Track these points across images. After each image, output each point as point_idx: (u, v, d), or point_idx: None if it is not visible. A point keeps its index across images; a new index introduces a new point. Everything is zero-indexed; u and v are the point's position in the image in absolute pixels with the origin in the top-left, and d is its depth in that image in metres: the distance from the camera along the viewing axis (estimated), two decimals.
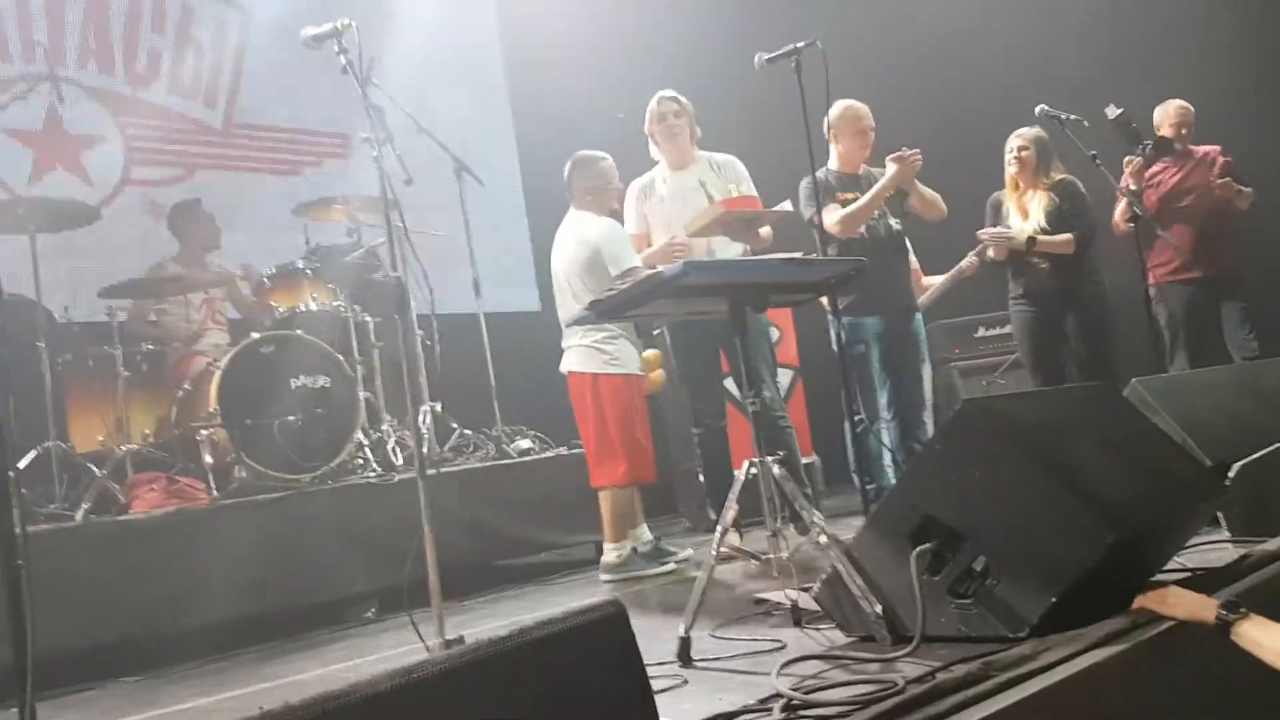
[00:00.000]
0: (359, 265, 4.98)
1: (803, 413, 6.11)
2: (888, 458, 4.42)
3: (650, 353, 5.03)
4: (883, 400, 4.46)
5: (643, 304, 2.37)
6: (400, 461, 4.58)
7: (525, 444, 5.04)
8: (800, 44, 3.10)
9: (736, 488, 2.53)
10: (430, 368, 4.70)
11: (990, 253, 4.72)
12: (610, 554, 4.07)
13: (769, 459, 2.49)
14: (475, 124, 6.56)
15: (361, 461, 4.49)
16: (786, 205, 4.10)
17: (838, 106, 4.28)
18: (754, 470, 2.50)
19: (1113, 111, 4.46)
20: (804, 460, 4.90)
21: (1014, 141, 4.69)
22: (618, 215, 4.33)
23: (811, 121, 3.34)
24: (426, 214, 4.60)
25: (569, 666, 1.45)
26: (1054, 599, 2.07)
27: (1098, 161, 4.38)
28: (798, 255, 2.51)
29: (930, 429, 4.43)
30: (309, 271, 4.77)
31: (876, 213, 4.41)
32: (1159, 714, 1.87)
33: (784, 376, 5.77)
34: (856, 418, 4.65)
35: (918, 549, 2.22)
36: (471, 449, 5.03)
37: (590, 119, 6.27)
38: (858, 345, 4.44)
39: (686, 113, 4.35)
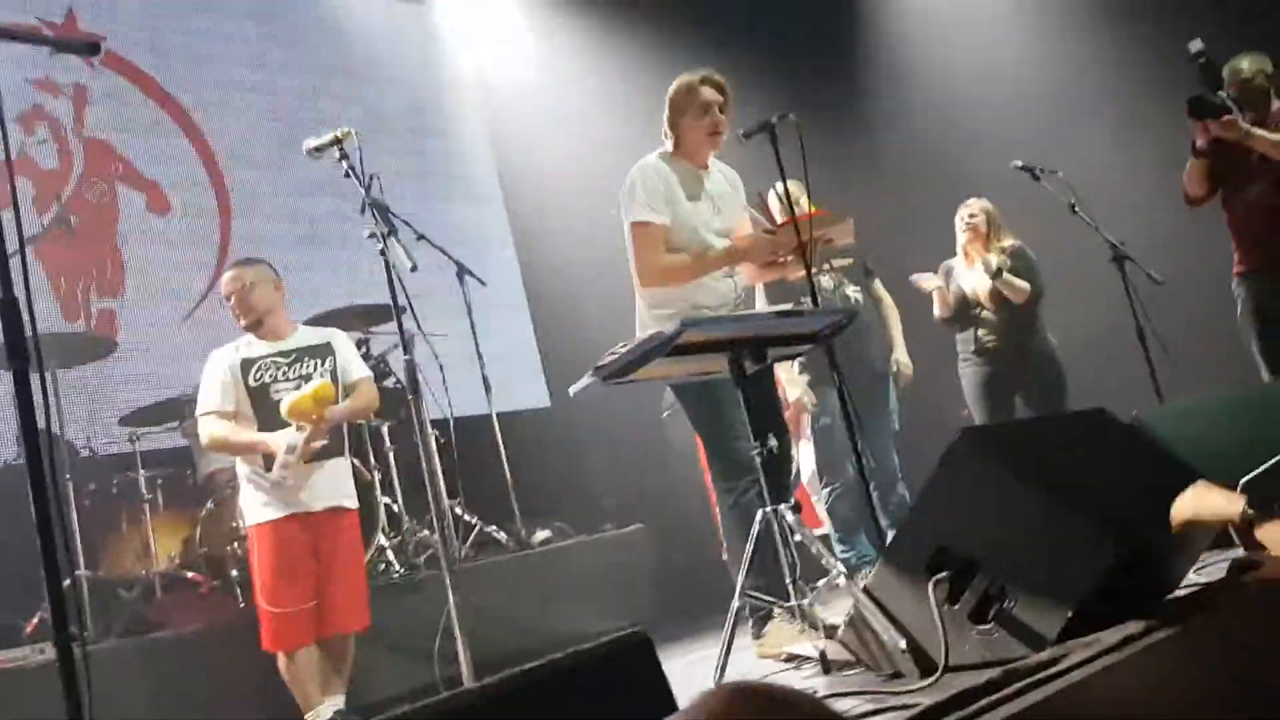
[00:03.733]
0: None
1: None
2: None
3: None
4: (853, 471, 4.49)
5: (642, 365, 2.46)
6: (422, 561, 4.63)
7: (545, 534, 5.08)
8: (775, 118, 3.25)
9: (751, 543, 2.59)
10: (447, 466, 4.78)
11: (936, 310, 4.86)
12: None
13: (782, 507, 2.54)
14: (472, 230, 6.76)
15: (384, 566, 4.54)
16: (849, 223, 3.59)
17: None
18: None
19: (1196, 45, 4.23)
20: (817, 531, 4.94)
21: (964, 211, 4.95)
22: None
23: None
24: (432, 320, 4.74)
25: (598, 692, 1.50)
26: (1070, 614, 2.11)
27: (1076, 209, 4.52)
28: (788, 307, 2.61)
29: (907, 496, 4.54)
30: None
31: (832, 283, 4.56)
32: (1174, 712, 1.90)
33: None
34: (827, 488, 4.81)
35: (933, 578, 2.27)
36: (493, 544, 5.08)
37: (585, 217, 6.47)
38: (823, 418, 4.62)
39: (732, 104, 3.45)
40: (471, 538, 5.11)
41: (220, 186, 6.05)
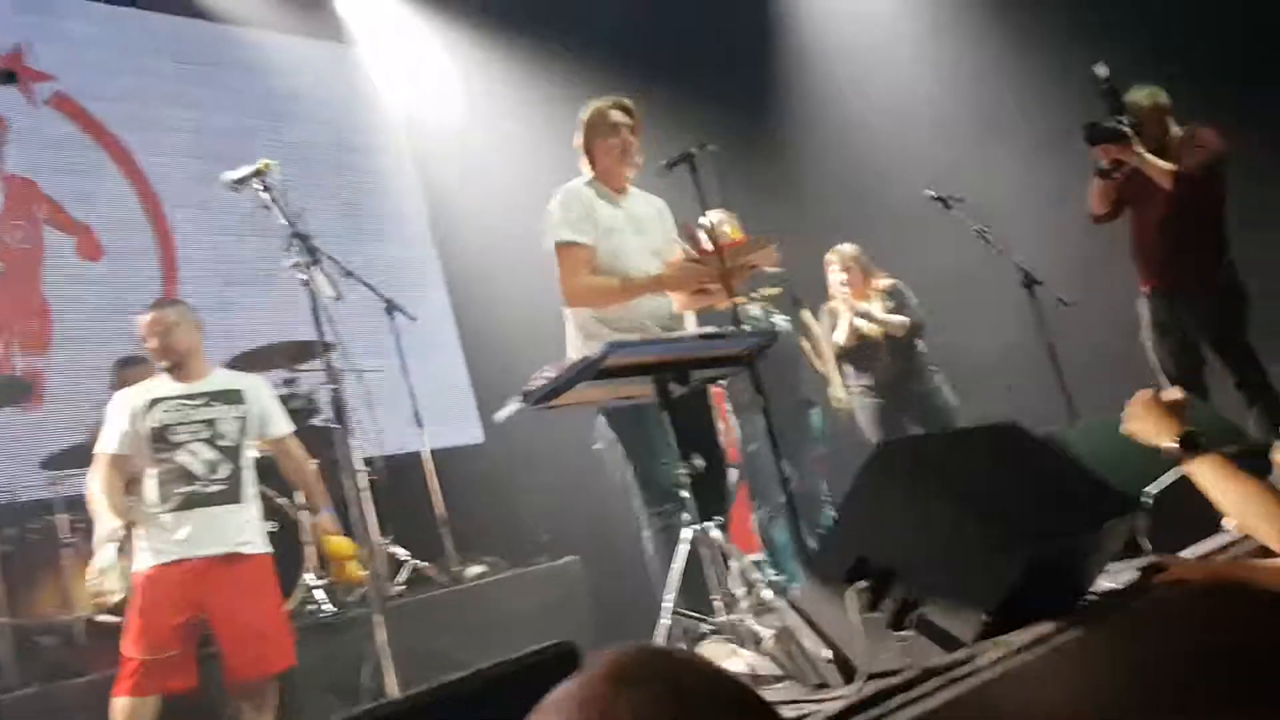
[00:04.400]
0: (296, 412, 5.05)
1: (746, 511, 6.22)
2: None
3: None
4: (782, 498, 4.56)
5: (569, 389, 2.50)
6: (353, 599, 4.58)
7: (479, 569, 5.07)
8: (694, 148, 3.33)
9: (680, 561, 2.63)
10: (378, 501, 4.76)
11: (841, 338, 5.02)
12: None
13: (709, 524, 2.59)
14: (403, 269, 6.77)
15: (312, 607, 4.49)
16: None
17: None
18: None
19: (1102, 70, 4.36)
20: (752, 558, 5.00)
21: (835, 259, 5.19)
22: None
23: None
24: (363, 357, 4.76)
25: (526, 702, 1.52)
26: (984, 618, 2.19)
27: (985, 236, 4.69)
28: (713, 329, 2.67)
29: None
30: None
31: (762, 312, 4.69)
32: (1084, 707, 1.98)
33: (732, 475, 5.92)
34: (757, 512, 4.91)
35: (851, 587, 2.33)
36: (425, 581, 5.04)
37: (517, 254, 6.50)
38: (751, 444, 4.74)
39: (640, 127, 3.54)
40: (403, 574, 5.07)
41: (162, 230, 5.99)
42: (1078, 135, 4.40)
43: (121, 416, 3.61)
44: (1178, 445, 2.08)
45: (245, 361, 5.22)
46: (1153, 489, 3.16)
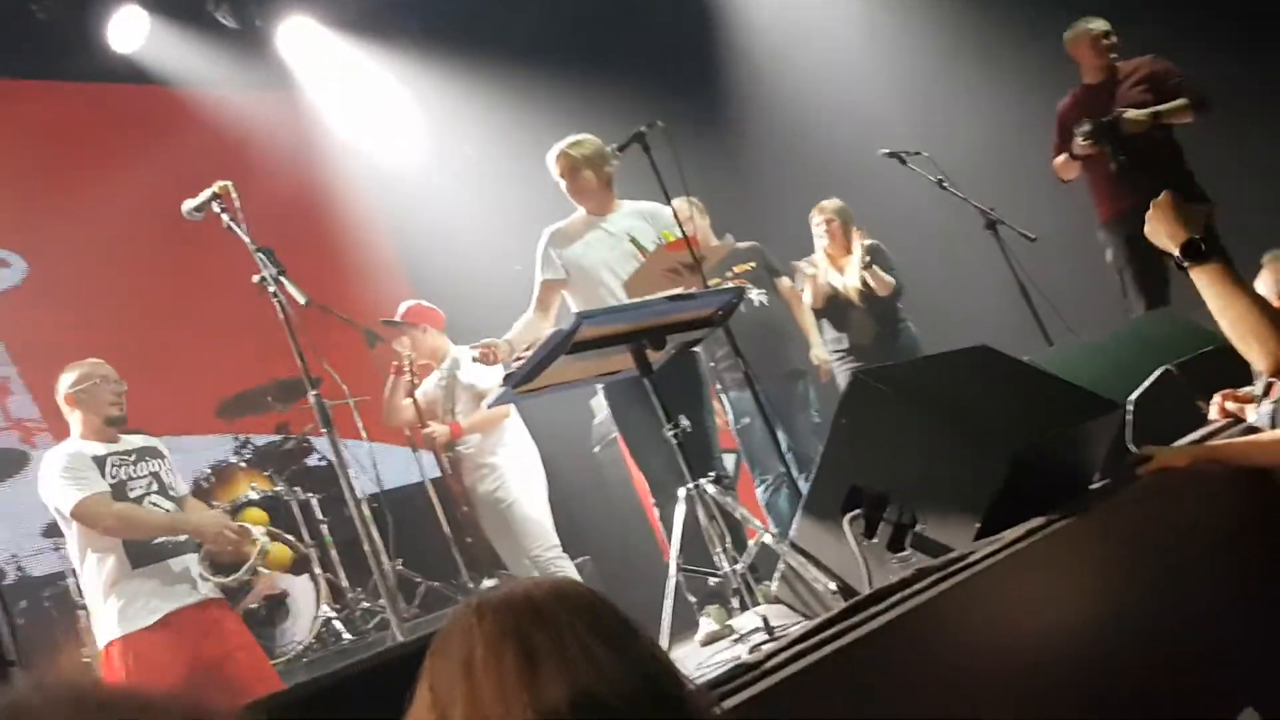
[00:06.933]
0: (292, 451, 5.09)
1: (751, 492, 6.27)
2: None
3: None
4: (782, 467, 4.63)
5: (548, 365, 2.55)
6: (371, 626, 4.60)
7: (491, 582, 5.08)
8: (644, 127, 3.40)
9: (680, 520, 2.67)
10: (383, 527, 4.78)
11: (806, 298, 5.05)
12: None
13: (703, 481, 2.63)
14: (375, 305, 6.78)
15: (333, 639, 4.51)
16: (729, 239, 4.18)
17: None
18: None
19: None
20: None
21: (818, 216, 5.20)
22: None
23: (673, 192, 3.64)
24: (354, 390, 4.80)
25: None
26: (978, 524, 2.23)
27: (945, 185, 4.76)
28: (680, 290, 2.72)
29: None
30: (242, 464, 4.89)
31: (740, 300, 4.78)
32: (1078, 590, 2.03)
33: (729, 460, 5.96)
34: (760, 484, 4.96)
35: (847, 516, 2.38)
36: (441, 599, 5.07)
37: (487, 274, 6.56)
38: (742, 418, 4.78)
39: (589, 162, 3.86)
40: (418, 597, 5.09)
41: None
42: (1027, 69, 4.54)
43: (79, 462, 3.56)
44: (1181, 250, 2.15)
45: (235, 405, 5.27)
46: (1133, 396, 3.24)
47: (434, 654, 0.96)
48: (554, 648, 0.90)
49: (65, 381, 3.65)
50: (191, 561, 3.61)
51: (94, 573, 3.49)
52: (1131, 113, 4.63)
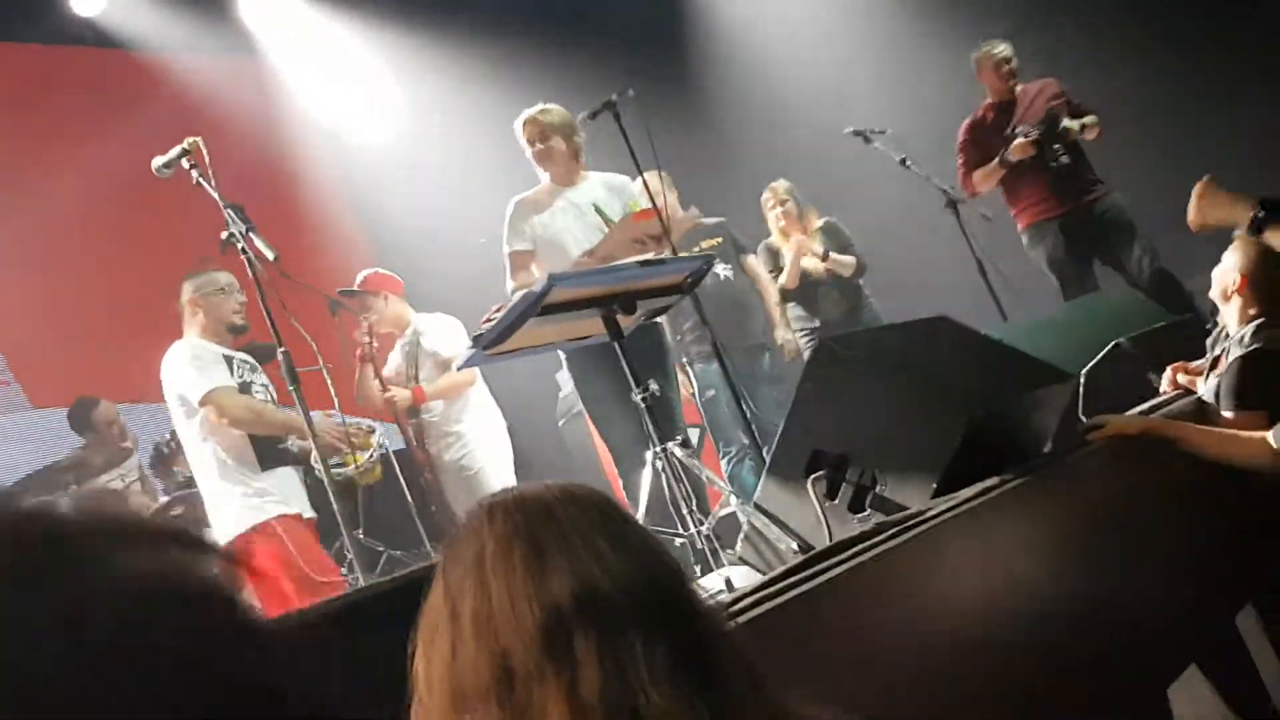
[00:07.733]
0: None
1: (716, 465, 6.34)
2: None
3: None
4: (746, 439, 4.72)
5: (519, 327, 2.58)
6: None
7: None
8: (614, 95, 3.44)
9: (646, 483, 2.72)
10: (348, 499, 4.77)
11: (785, 280, 5.14)
12: None
13: (670, 444, 2.68)
14: (336, 264, 6.75)
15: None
16: (694, 211, 4.20)
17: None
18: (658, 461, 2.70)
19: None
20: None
21: (770, 198, 5.29)
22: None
23: (643, 163, 3.69)
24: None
25: None
26: (935, 484, 2.31)
27: (907, 164, 4.83)
28: (650, 256, 2.76)
29: None
30: None
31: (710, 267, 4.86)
32: (1029, 544, 2.12)
33: (692, 435, 6.02)
34: (724, 456, 5.05)
35: (810, 477, 2.45)
36: (402, 568, 5.09)
37: (452, 244, 6.55)
38: (707, 390, 4.86)
39: (557, 130, 3.89)
40: (380, 566, 5.10)
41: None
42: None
43: (206, 354, 3.70)
44: (1258, 213, 2.22)
45: None
46: (1085, 369, 3.34)
47: (447, 551, 1.04)
48: (560, 545, 0.96)
49: (191, 285, 3.76)
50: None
51: (211, 467, 3.60)
52: (1068, 121, 4.87)
